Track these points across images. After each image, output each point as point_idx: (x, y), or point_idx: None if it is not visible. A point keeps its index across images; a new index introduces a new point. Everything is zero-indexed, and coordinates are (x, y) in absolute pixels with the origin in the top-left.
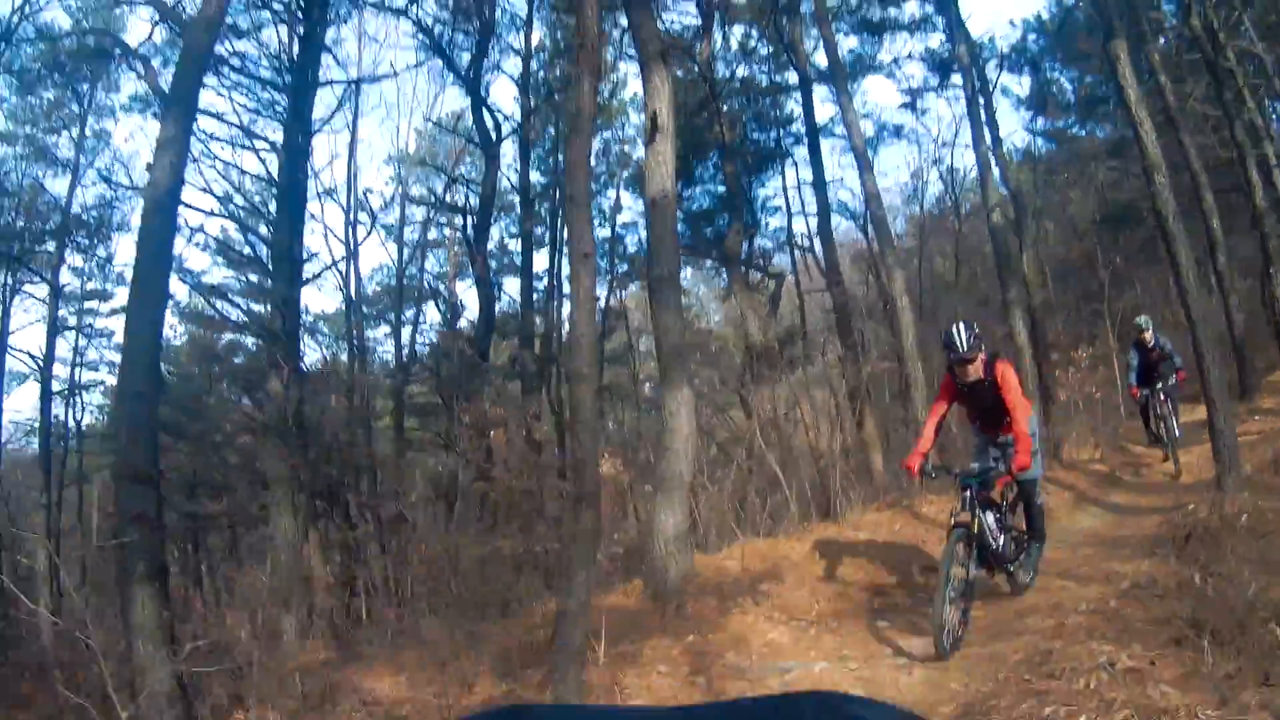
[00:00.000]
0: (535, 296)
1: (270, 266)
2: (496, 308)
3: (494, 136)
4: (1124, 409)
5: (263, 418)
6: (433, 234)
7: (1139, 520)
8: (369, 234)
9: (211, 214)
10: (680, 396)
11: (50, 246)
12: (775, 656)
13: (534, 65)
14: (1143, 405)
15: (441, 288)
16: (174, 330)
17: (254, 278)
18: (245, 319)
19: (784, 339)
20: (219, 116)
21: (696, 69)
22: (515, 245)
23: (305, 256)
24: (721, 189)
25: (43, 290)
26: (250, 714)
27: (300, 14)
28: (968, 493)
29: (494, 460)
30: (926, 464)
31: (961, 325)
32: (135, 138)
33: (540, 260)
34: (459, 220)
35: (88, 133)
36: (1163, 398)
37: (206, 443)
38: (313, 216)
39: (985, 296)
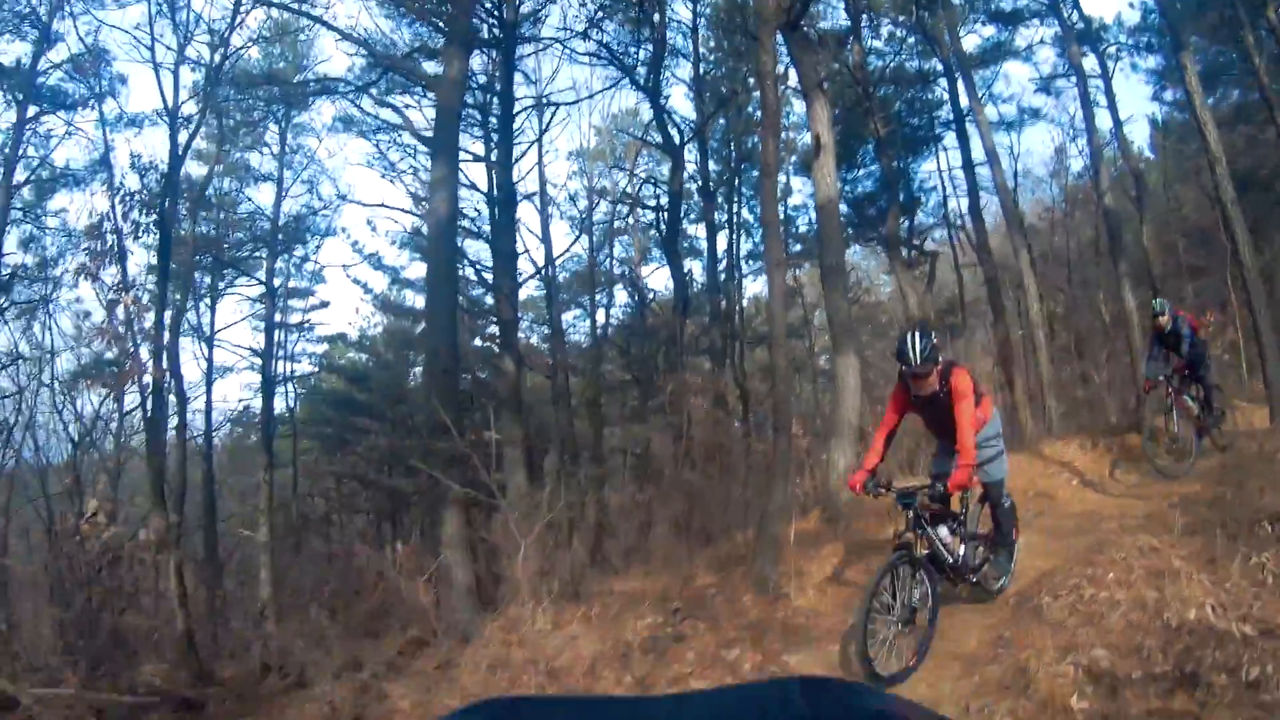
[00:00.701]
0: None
1: (492, 263)
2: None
3: (677, 139)
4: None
5: (500, 392)
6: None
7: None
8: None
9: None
10: (848, 362)
11: (261, 253)
12: None
13: (702, 69)
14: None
15: (629, 272)
16: (368, 320)
17: (472, 274)
18: (470, 308)
19: (944, 309)
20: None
21: (849, 71)
22: (694, 230)
23: (519, 250)
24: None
25: (251, 289)
26: (524, 604)
27: (498, 43)
28: (910, 512)
29: (692, 421)
30: (871, 480)
31: (916, 334)
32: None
33: (719, 242)
34: (643, 211)
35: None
36: (1169, 390)
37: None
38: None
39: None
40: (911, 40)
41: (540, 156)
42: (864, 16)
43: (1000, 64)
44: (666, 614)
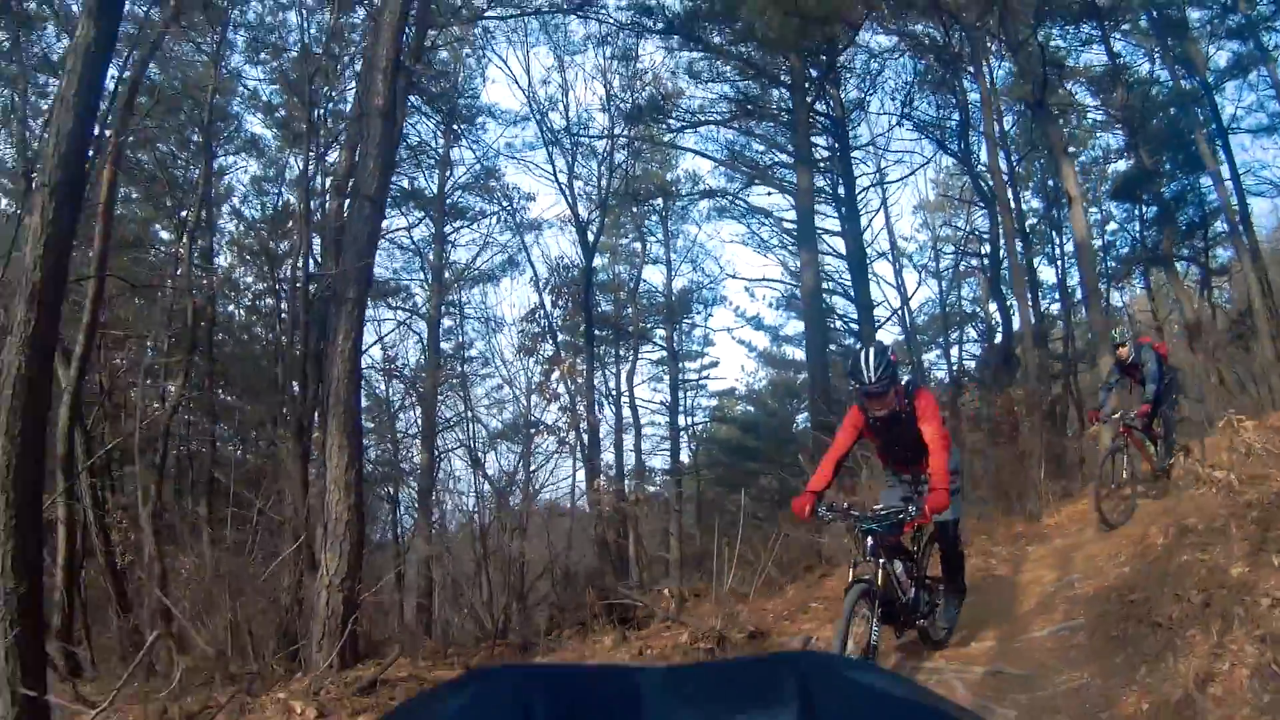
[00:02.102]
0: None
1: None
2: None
3: (988, 192)
4: None
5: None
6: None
7: None
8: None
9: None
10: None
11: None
12: None
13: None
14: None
15: (978, 310)
16: (753, 375)
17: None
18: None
19: (1235, 319)
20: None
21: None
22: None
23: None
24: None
25: (653, 354)
26: None
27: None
28: (870, 540)
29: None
30: (820, 505)
31: (871, 352)
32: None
33: (1046, 273)
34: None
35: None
36: (1122, 428)
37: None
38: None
39: None
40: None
41: (887, 218)
42: (1118, 59)
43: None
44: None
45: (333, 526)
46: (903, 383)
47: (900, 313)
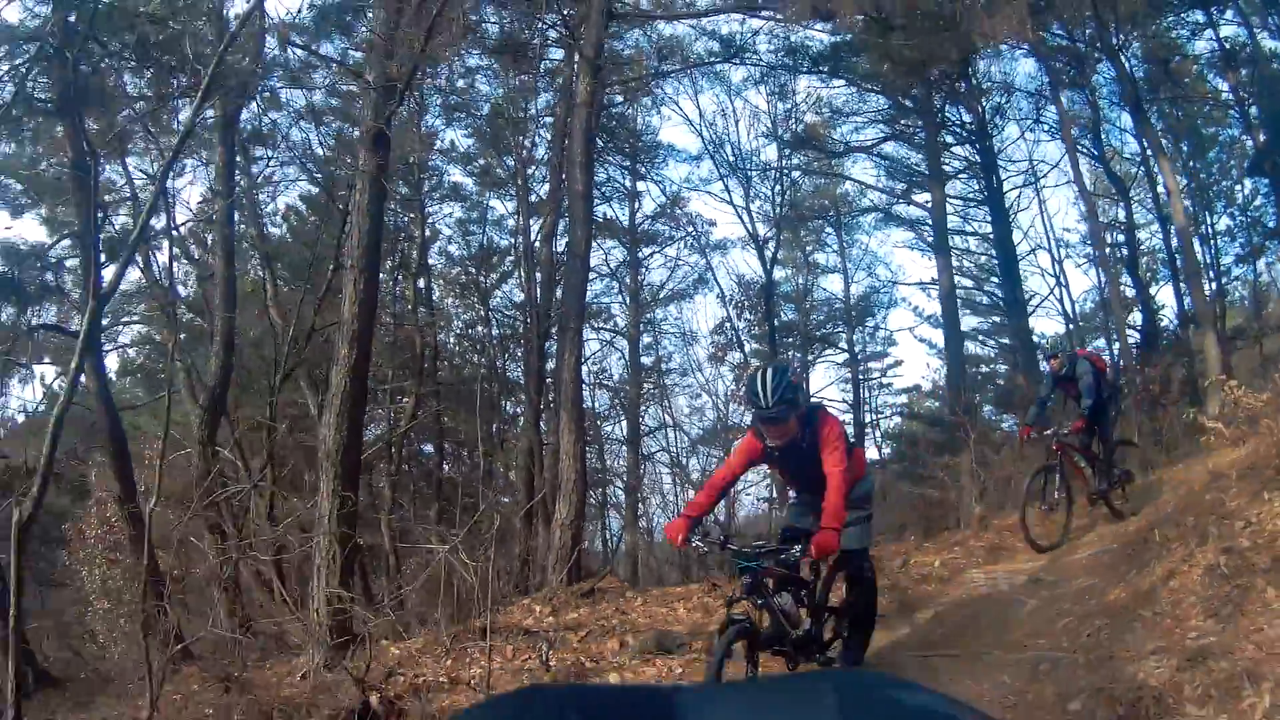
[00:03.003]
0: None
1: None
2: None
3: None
4: None
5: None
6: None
7: None
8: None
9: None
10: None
11: (840, 328)
12: None
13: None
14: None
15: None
16: (938, 371)
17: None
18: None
19: None
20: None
21: None
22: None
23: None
24: None
25: (837, 357)
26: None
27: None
28: (747, 579)
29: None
30: (694, 532)
31: (769, 372)
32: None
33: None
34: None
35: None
36: (1055, 445)
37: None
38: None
39: None
40: None
41: (1043, 208)
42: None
43: None
44: None
45: (564, 486)
46: (804, 408)
47: (1061, 301)
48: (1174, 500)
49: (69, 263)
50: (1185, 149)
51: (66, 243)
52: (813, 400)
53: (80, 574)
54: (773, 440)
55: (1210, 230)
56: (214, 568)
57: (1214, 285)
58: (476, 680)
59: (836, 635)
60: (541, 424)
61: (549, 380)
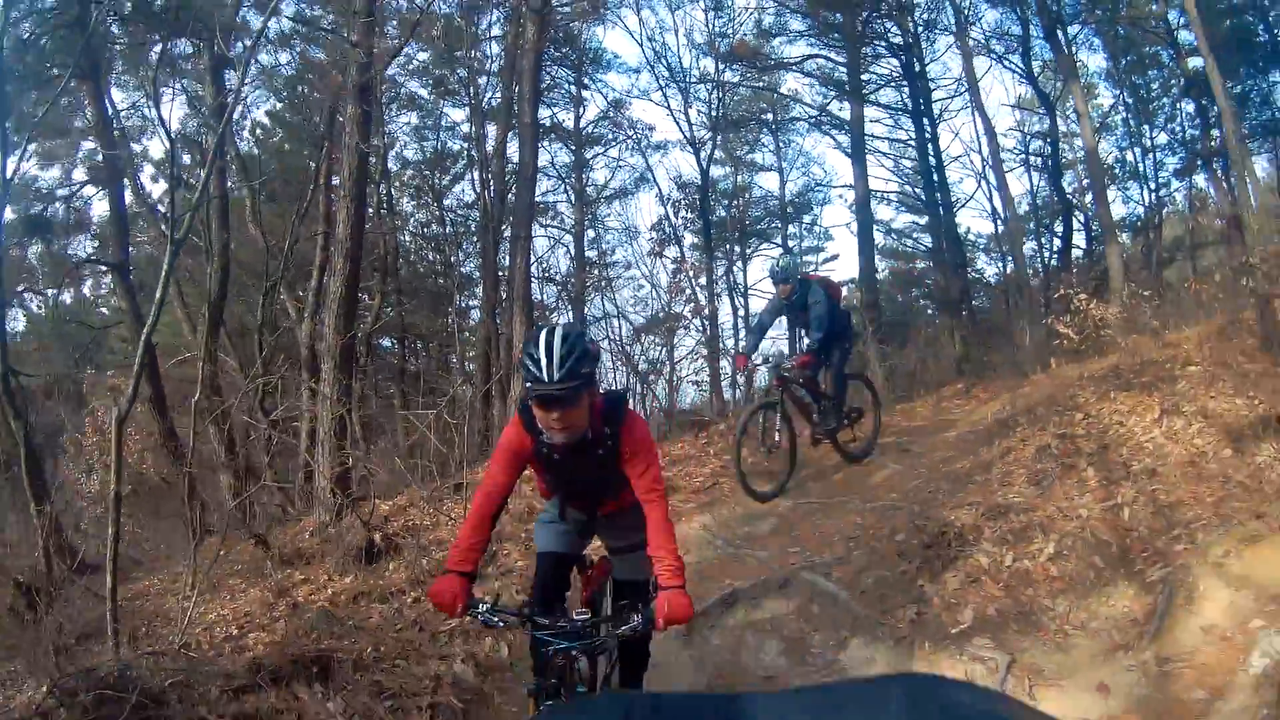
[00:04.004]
0: None
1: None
2: None
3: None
4: None
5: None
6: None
7: None
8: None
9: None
10: None
11: (776, 224)
12: None
13: None
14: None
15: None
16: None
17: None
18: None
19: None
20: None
21: None
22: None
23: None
24: None
25: (772, 251)
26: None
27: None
28: (560, 659)
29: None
30: (474, 598)
31: (556, 335)
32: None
33: None
34: None
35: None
36: (776, 380)
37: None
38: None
39: None
40: None
41: (976, 119)
42: None
43: None
44: None
45: (516, 368)
46: (603, 395)
47: (990, 200)
48: (1036, 396)
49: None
50: (1124, 64)
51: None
52: (615, 390)
53: (80, 480)
54: (553, 432)
55: (1151, 143)
56: (220, 453)
57: (1154, 197)
58: (454, 521)
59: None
60: (496, 316)
61: (503, 274)
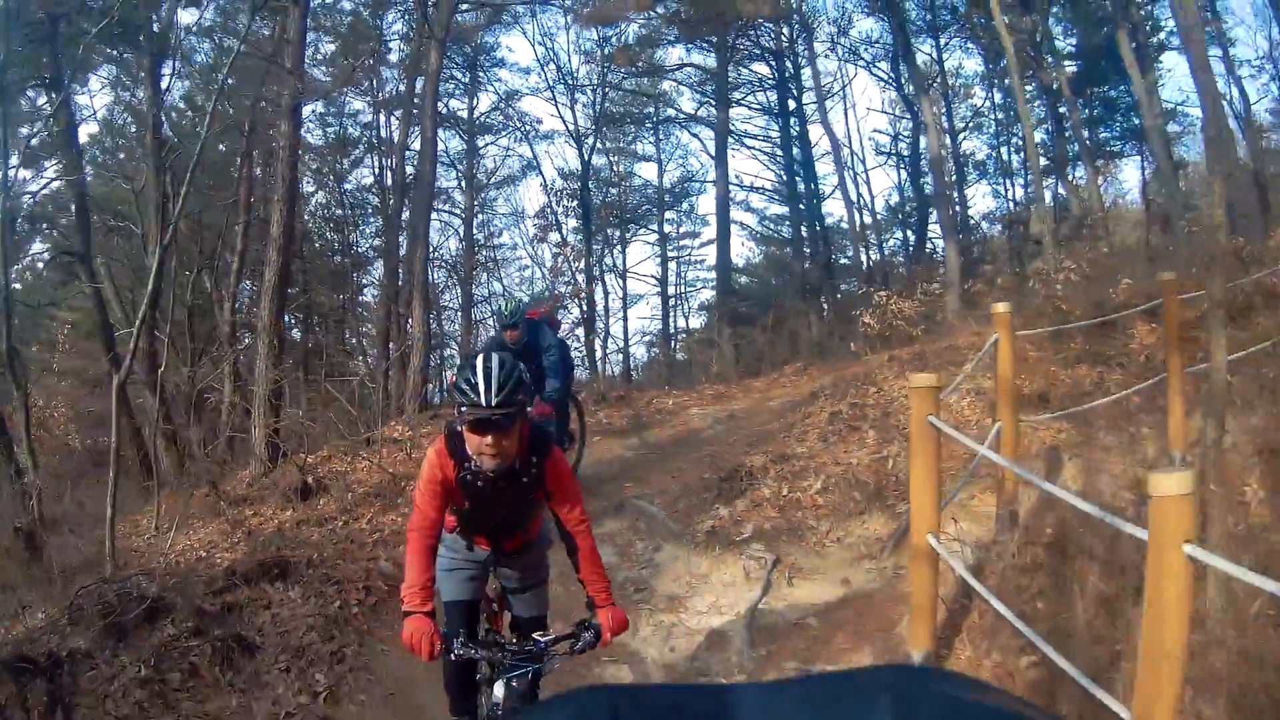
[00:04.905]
0: None
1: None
2: None
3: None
4: None
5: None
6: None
7: None
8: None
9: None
10: None
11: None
12: None
13: None
14: None
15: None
16: (753, 250)
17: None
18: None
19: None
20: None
21: None
22: None
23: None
24: None
25: (651, 237)
26: None
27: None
28: (499, 689)
29: None
30: (445, 637)
31: (494, 360)
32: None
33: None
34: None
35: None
36: None
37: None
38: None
39: None
40: None
41: (847, 119)
42: None
43: None
44: None
45: (415, 345)
46: (530, 422)
47: (856, 198)
48: (850, 375)
49: None
50: (994, 68)
51: None
52: (540, 422)
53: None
54: (484, 458)
55: (1020, 142)
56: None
57: (1023, 193)
58: (366, 468)
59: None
60: (395, 299)
61: (401, 255)
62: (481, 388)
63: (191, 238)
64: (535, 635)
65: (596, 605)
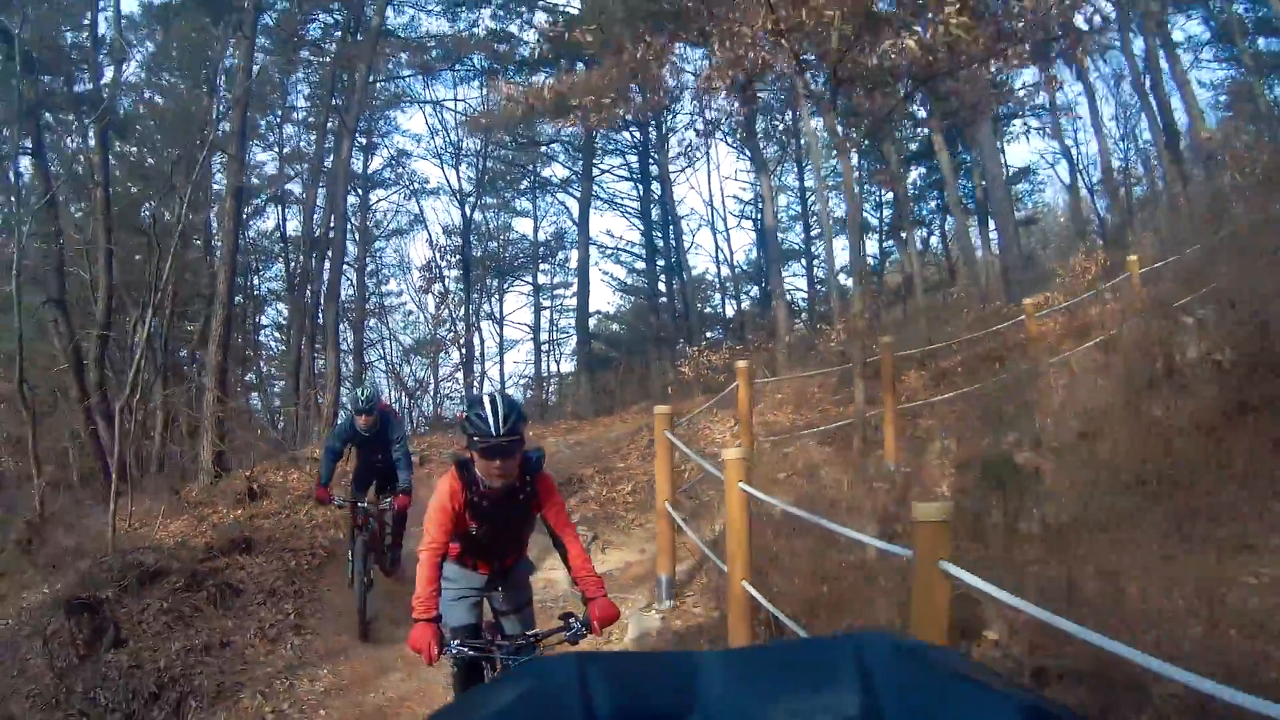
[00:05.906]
0: None
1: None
2: None
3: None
4: None
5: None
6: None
7: None
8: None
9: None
10: None
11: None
12: None
13: None
14: (352, 531)
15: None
16: (623, 300)
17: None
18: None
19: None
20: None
21: None
22: None
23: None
24: None
25: (525, 288)
26: None
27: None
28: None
29: None
30: (445, 639)
31: (498, 399)
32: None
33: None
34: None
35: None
36: (362, 519)
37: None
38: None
39: None
40: None
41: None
42: None
43: None
44: None
45: (328, 380)
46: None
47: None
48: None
49: None
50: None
51: None
52: (532, 448)
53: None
54: (493, 479)
55: (879, 200)
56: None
57: (879, 248)
58: (297, 477)
59: None
60: (300, 344)
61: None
62: (491, 421)
63: (133, 284)
64: (528, 631)
65: (589, 598)
